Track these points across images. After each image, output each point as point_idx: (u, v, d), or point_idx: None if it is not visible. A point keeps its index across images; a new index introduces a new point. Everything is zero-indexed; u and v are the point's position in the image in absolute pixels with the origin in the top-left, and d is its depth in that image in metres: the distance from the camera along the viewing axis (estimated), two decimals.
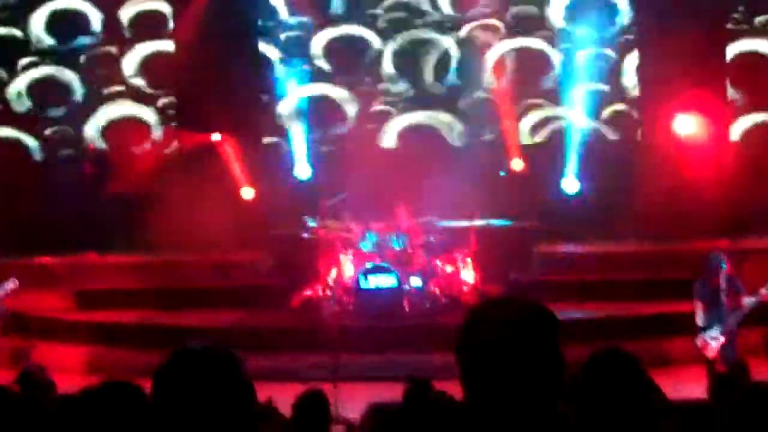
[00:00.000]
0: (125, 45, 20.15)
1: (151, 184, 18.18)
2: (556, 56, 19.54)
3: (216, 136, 18.58)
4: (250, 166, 18.66)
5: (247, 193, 18.65)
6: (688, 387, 11.33)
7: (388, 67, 19.85)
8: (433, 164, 17.79)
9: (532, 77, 19.50)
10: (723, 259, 12.47)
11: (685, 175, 17.02)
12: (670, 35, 17.44)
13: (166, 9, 19.86)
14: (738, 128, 18.85)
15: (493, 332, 2.99)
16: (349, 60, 19.82)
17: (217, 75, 18.20)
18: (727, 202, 17.00)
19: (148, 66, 20.10)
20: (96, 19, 20.30)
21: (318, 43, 19.90)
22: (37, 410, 6.43)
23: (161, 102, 20.12)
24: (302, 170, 18.99)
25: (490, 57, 19.45)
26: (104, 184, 18.51)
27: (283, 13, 20.07)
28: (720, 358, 12.28)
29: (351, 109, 19.75)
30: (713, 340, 12.28)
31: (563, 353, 3.02)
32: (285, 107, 19.63)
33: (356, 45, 19.92)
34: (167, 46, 19.71)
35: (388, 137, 19.65)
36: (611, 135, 19.26)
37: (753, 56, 18.95)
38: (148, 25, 20.10)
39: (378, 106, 19.65)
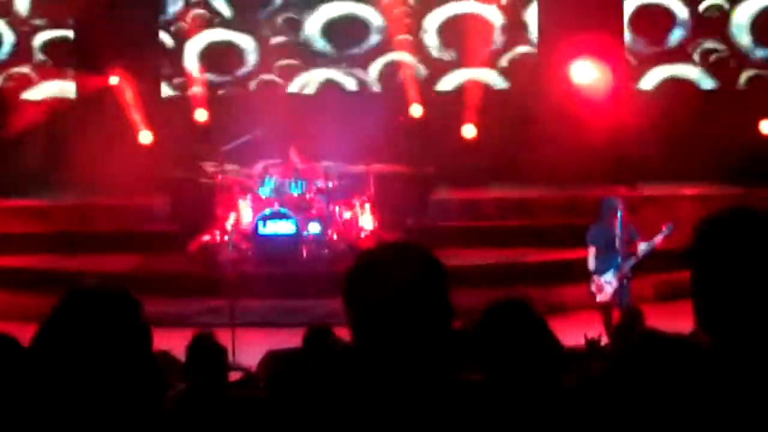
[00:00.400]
0: None
1: (50, 127, 17.88)
2: None
3: (114, 79, 18.34)
4: (149, 110, 18.43)
5: (145, 137, 18.42)
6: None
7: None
8: (334, 110, 17.72)
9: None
10: (619, 204, 12.69)
11: (583, 123, 17.14)
12: None
13: None
14: (650, 79, 19.01)
15: (379, 279, 2.99)
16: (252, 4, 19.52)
17: (114, 14, 17.88)
18: (627, 150, 17.18)
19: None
20: None
21: None
22: None
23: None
24: (201, 114, 18.77)
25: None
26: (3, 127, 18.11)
27: None
28: (613, 302, 12.53)
29: (252, 57, 19.49)
30: (607, 285, 12.52)
31: (450, 300, 3.02)
32: (185, 50, 19.35)
33: None
34: None
35: (291, 85, 19.47)
36: (509, 83, 19.28)
37: (654, 7, 19.09)
38: None
39: (283, 60, 19.41)
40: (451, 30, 19.05)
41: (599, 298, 12.66)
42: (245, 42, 19.44)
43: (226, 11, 19.46)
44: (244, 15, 19.42)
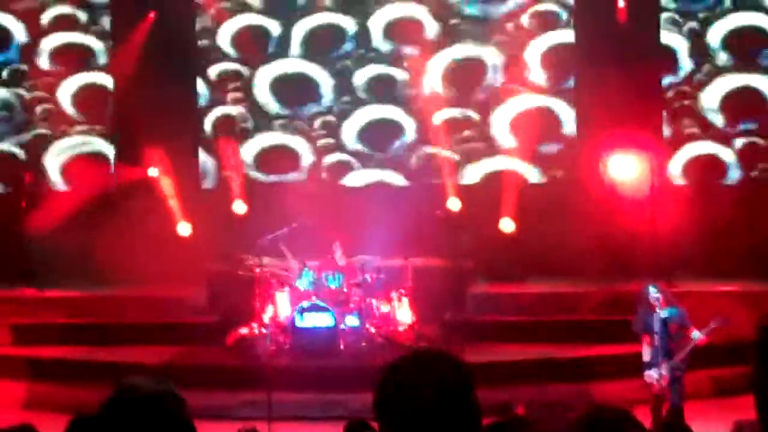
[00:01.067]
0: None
1: (89, 219, 18.00)
2: None
3: (153, 171, 18.50)
4: (187, 202, 18.57)
5: (184, 229, 18.53)
6: None
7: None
8: (372, 204, 17.76)
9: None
10: (658, 291, 12.61)
11: (619, 217, 17.11)
12: (607, 80, 17.67)
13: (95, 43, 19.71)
14: (678, 161, 19.00)
15: (407, 393, 3.09)
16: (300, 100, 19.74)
17: (155, 110, 18.06)
18: (664, 244, 17.07)
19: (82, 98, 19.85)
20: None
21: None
22: None
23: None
24: (240, 207, 18.86)
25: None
26: (40, 218, 18.22)
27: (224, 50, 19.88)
28: (665, 395, 12.36)
29: (303, 156, 19.67)
30: (660, 376, 12.36)
31: (477, 402, 3.14)
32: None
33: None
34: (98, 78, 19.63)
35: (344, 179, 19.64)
36: (547, 176, 19.29)
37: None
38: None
39: (330, 157, 19.58)
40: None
41: (653, 390, 12.49)
42: (296, 142, 19.69)
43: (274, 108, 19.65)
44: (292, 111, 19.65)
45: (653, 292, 12.67)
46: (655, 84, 18.73)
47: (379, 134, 19.53)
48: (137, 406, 3.02)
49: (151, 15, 18.91)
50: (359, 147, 19.58)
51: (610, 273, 16.96)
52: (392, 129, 19.51)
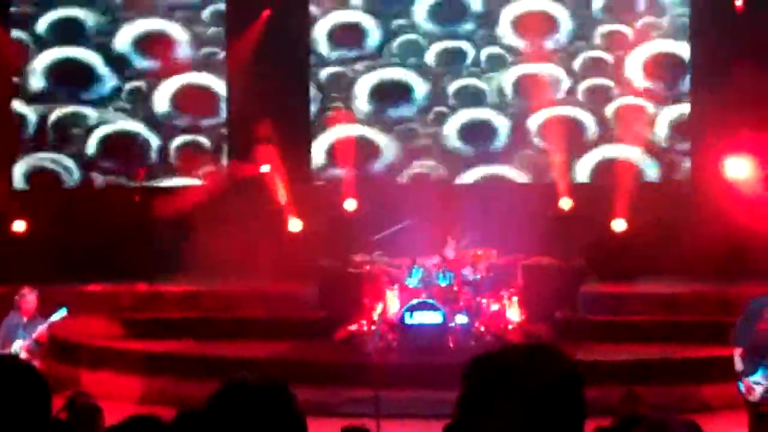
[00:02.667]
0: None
1: (202, 214, 18.15)
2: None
3: (265, 168, 18.61)
4: (298, 199, 18.65)
5: (295, 225, 18.61)
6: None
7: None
8: (483, 201, 17.67)
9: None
10: (766, 304, 12.21)
11: (735, 218, 16.79)
12: (724, 77, 17.38)
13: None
14: None
15: (510, 386, 2.83)
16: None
17: (269, 108, 18.30)
18: None
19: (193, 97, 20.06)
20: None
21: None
22: None
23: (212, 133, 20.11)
24: (350, 204, 18.90)
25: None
26: (155, 213, 18.43)
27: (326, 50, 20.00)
28: (764, 403, 12.02)
29: (390, 154, 19.71)
30: (757, 386, 12.03)
31: (584, 401, 2.90)
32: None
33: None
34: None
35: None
36: (662, 176, 19.08)
37: None
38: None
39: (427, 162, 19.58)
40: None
41: (750, 398, 12.15)
42: (382, 140, 19.79)
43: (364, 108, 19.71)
44: (381, 113, 19.79)
45: (759, 305, 12.24)
46: None
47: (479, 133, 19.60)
48: (246, 399, 3.02)
49: (266, 13, 19.05)
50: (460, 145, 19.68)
51: (725, 274, 16.62)
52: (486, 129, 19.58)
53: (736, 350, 12.20)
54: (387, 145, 19.79)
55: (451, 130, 19.73)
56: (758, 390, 11.95)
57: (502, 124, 19.57)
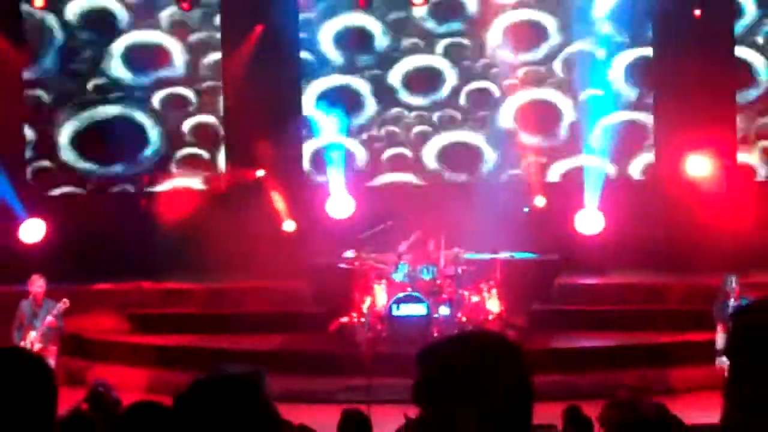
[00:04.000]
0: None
1: (202, 216, 18.50)
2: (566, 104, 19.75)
3: (260, 172, 18.94)
4: (292, 201, 19.01)
5: (289, 225, 18.94)
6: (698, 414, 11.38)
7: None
8: (462, 200, 17.95)
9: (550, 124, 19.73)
10: (735, 280, 12.66)
11: (696, 213, 17.18)
12: (684, 77, 17.80)
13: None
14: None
15: (453, 369, 2.78)
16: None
17: (263, 116, 18.55)
18: (738, 239, 17.08)
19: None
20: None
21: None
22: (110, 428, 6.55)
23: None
24: (339, 204, 19.25)
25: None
26: (158, 216, 18.75)
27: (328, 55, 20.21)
28: None
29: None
30: None
31: (531, 385, 2.80)
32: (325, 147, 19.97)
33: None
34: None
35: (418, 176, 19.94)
36: (627, 174, 19.41)
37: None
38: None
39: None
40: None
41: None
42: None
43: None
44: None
45: (731, 282, 12.73)
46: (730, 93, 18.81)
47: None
48: (212, 392, 3.02)
49: (259, 27, 19.34)
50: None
51: (688, 266, 17.00)
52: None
53: (718, 326, 12.63)
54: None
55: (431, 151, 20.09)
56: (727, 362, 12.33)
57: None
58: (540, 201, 18.80)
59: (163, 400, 5.54)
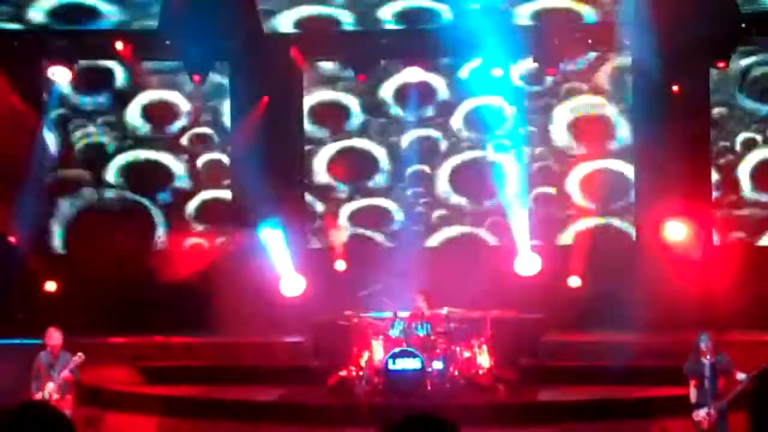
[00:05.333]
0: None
1: (208, 275, 18.77)
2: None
3: (263, 233, 19.25)
4: (295, 260, 19.28)
5: (295, 284, 19.19)
6: None
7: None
8: (455, 264, 18.27)
9: None
10: (708, 339, 12.88)
11: (674, 275, 17.48)
12: (663, 151, 18.22)
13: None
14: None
15: None
16: None
17: (267, 181, 18.82)
18: (713, 299, 17.38)
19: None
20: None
21: None
22: None
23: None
24: (340, 265, 19.61)
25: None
26: (166, 275, 19.07)
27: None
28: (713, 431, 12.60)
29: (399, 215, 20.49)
30: (707, 416, 12.60)
31: None
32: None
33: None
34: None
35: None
36: (613, 238, 19.77)
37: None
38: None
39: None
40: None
41: (702, 427, 12.68)
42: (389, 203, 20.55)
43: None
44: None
45: (704, 341, 12.96)
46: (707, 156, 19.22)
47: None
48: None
49: (265, 99, 19.79)
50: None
51: (664, 324, 17.29)
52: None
53: (691, 381, 12.87)
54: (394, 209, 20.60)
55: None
56: (707, 420, 12.59)
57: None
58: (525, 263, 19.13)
59: None
